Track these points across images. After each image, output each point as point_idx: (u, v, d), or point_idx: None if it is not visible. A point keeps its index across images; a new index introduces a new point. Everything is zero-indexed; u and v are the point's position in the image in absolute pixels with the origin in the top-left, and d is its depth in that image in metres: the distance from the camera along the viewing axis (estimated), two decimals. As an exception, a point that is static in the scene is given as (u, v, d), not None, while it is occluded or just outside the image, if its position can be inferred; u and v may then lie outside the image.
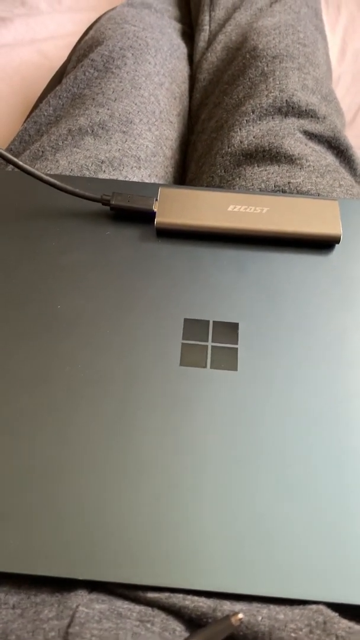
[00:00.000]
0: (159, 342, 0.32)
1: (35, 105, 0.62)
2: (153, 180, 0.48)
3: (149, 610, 0.25)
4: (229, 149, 0.48)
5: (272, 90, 0.50)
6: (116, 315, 0.33)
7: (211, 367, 0.31)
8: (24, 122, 0.54)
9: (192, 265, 0.35)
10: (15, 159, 0.34)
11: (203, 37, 0.64)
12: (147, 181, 0.46)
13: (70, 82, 0.53)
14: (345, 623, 0.24)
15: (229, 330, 0.33)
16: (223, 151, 0.49)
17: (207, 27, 0.64)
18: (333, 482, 0.28)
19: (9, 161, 0.34)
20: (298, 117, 0.49)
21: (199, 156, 0.54)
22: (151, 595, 0.26)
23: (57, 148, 0.45)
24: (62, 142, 0.46)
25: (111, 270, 0.35)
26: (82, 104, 0.50)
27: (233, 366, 0.32)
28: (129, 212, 0.37)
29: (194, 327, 0.33)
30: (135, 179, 0.45)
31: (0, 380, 0.31)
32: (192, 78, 0.63)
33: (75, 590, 0.26)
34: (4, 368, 0.31)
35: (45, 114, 0.52)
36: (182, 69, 0.61)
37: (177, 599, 0.25)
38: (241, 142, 0.48)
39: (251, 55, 0.55)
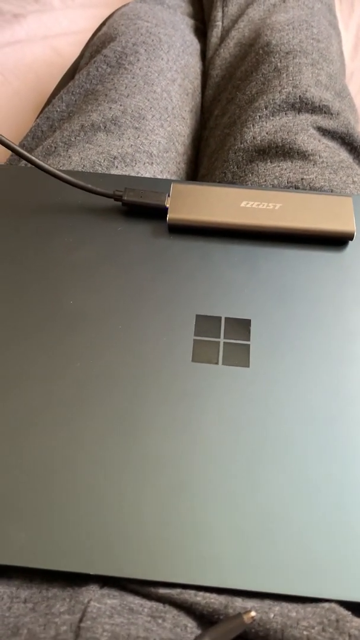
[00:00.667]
0: (170, 338, 0.32)
1: (48, 101, 0.62)
2: (165, 176, 0.47)
3: (160, 606, 0.25)
4: (242, 145, 0.48)
5: (286, 86, 0.50)
6: (128, 311, 0.33)
7: (223, 364, 0.31)
8: (37, 118, 0.54)
9: (204, 262, 0.35)
10: (28, 155, 0.34)
11: (216, 33, 0.64)
12: (159, 177, 0.46)
13: (83, 78, 0.53)
14: (358, 621, 0.24)
15: (241, 326, 0.33)
16: (236, 147, 0.48)
17: (219, 23, 0.64)
18: (348, 479, 0.28)
19: (22, 157, 0.34)
20: (311, 113, 0.49)
21: (211, 152, 0.54)
22: (163, 591, 0.25)
23: (69, 144, 0.45)
24: (75, 138, 0.46)
25: (123, 266, 0.35)
26: (95, 100, 0.50)
27: (245, 363, 0.31)
28: (141, 208, 0.37)
29: (206, 324, 0.33)
30: (147, 175, 0.45)
31: (13, 376, 0.31)
32: (205, 74, 0.63)
33: (87, 585, 0.26)
34: (16, 363, 0.31)
35: (58, 109, 0.52)
36: (194, 65, 0.61)
37: (189, 595, 0.25)
38: (254, 138, 0.48)
39: (264, 51, 0.54)
